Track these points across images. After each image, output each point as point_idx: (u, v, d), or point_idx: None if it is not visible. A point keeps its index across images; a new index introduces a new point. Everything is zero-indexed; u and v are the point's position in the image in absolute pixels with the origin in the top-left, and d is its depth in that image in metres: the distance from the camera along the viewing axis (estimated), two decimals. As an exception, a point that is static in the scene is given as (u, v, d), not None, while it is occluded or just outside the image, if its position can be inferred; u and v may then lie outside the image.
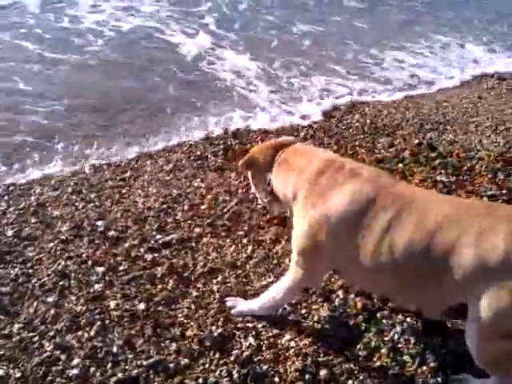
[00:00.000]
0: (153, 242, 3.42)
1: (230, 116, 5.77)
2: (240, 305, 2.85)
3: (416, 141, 4.90)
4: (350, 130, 5.28)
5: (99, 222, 3.62)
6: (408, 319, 2.83)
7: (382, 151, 4.77)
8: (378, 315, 2.86)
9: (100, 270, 3.16)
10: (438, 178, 4.26)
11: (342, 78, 7.07)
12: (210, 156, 4.70)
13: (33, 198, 4.01)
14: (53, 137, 5.10)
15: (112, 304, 2.89)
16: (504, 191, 4.01)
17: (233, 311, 2.84)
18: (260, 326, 2.77)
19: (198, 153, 4.76)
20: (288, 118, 5.75)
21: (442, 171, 4.38)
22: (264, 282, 3.08)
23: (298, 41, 8.53)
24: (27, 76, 6.38)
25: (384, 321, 2.82)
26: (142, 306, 2.88)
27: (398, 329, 2.75)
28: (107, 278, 3.10)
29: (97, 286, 3.03)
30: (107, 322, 2.78)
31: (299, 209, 2.50)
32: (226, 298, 2.90)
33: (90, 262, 3.22)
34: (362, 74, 7.29)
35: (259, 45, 8.22)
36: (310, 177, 2.46)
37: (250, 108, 6.04)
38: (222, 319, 2.79)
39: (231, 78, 6.88)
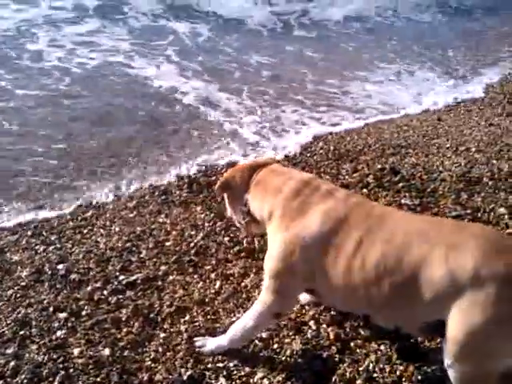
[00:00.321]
0: (116, 284, 3.30)
1: (198, 151, 5.72)
2: (209, 343, 2.75)
3: (379, 166, 4.94)
4: (315, 157, 5.29)
5: (60, 266, 3.49)
6: (382, 347, 2.79)
7: (347, 177, 4.79)
8: (352, 344, 2.81)
9: (62, 315, 3.02)
10: (403, 201, 4.30)
11: (307, 108, 7.16)
12: (174, 191, 4.62)
13: (-10, 243, 3.84)
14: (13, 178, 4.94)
15: (76, 351, 2.76)
16: (468, 211, 4.06)
17: (202, 350, 2.73)
18: (231, 364, 2.68)
19: (162, 188, 4.68)
20: (262, 150, 5.76)
21: (406, 194, 4.41)
22: (234, 319, 2.98)
23: (257, 72, 8.66)
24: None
25: (358, 350, 2.77)
26: (107, 351, 2.76)
27: (373, 358, 2.70)
28: (70, 323, 2.97)
29: (59, 333, 2.89)
30: (71, 370, 2.64)
31: (273, 229, 2.50)
32: (195, 338, 2.80)
33: (51, 309, 3.08)
34: (324, 104, 7.38)
35: (223, 76, 8.35)
36: (285, 197, 2.47)
37: (221, 141, 6.02)
38: (191, 360, 2.69)
39: (203, 110, 6.91)
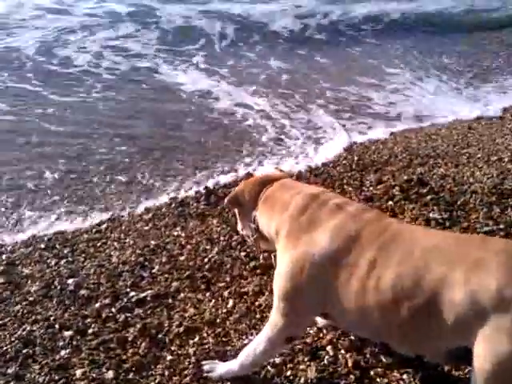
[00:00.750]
0: (126, 301, 3.18)
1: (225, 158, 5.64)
2: (218, 368, 2.58)
3: (405, 177, 4.71)
4: (338, 168, 5.10)
5: (70, 280, 3.39)
6: (404, 376, 2.57)
7: (371, 188, 4.58)
8: (372, 373, 2.60)
9: (67, 334, 2.91)
10: (431, 215, 4.06)
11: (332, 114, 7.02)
12: (191, 202, 4.50)
13: (4, 256, 3.78)
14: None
15: (78, 373, 2.63)
16: (501, 226, 3.80)
17: (211, 375, 2.57)
18: (240, 392, 2.50)
19: (180, 199, 4.56)
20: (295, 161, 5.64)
21: (435, 208, 4.17)
22: (245, 341, 2.82)
23: (278, 76, 8.80)
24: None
25: (378, 379, 2.56)
26: (110, 374, 2.62)
27: (394, 389, 2.49)
28: (75, 342, 2.85)
29: (63, 353, 2.77)
30: (72, 394, 2.52)
31: (281, 247, 2.35)
32: (203, 362, 2.64)
33: (57, 326, 2.97)
34: (347, 110, 7.21)
35: (249, 80, 8.44)
36: (290, 214, 2.32)
37: (251, 148, 5.99)
38: (198, 387, 2.52)
39: (232, 116, 6.96)
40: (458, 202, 4.25)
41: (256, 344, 2.43)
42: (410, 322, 1.97)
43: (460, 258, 1.88)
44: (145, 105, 7.19)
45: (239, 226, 2.81)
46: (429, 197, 4.34)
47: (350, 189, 4.56)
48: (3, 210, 4.53)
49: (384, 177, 4.76)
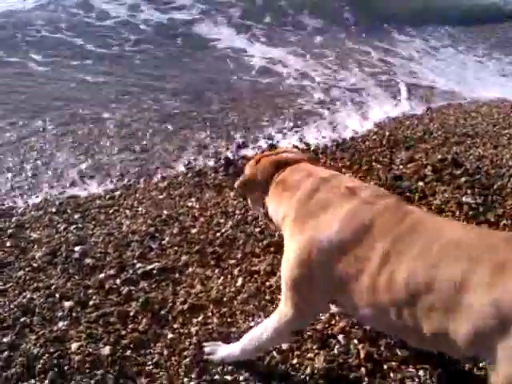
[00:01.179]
0: (131, 272, 3.04)
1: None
2: (220, 350, 2.42)
3: (439, 156, 4.39)
4: (366, 143, 4.80)
5: (77, 248, 3.27)
6: (421, 372, 2.37)
7: (401, 167, 4.29)
8: (385, 367, 2.40)
9: (67, 304, 2.79)
10: (464, 198, 3.76)
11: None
12: (209, 172, 4.31)
13: (14, 218, 3.69)
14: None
15: (74, 346, 2.50)
16: (540, 215, 3.49)
17: (211, 358, 2.42)
18: (242, 378, 2.34)
19: (197, 168, 4.37)
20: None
21: (468, 191, 3.87)
22: (252, 323, 2.65)
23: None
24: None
25: (392, 374, 2.36)
26: (107, 349, 2.49)
27: (408, 386, 2.27)
28: (74, 314, 2.73)
29: (61, 324, 2.65)
30: (66, 367, 2.39)
31: (287, 233, 2.16)
32: (204, 344, 2.49)
33: (57, 295, 2.85)
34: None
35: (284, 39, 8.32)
36: (299, 197, 2.13)
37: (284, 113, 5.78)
38: (197, 370, 2.37)
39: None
40: (495, 186, 3.95)
41: (262, 330, 2.25)
42: (426, 323, 1.75)
43: (484, 257, 1.63)
44: (178, 63, 7.15)
45: (251, 207, 2.64)
46: (463, 179, 4.04)
47: (379, 166, 4.28)
48: (18, 171, 4.44)
49: (416, 155, 4.45)
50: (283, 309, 2.18)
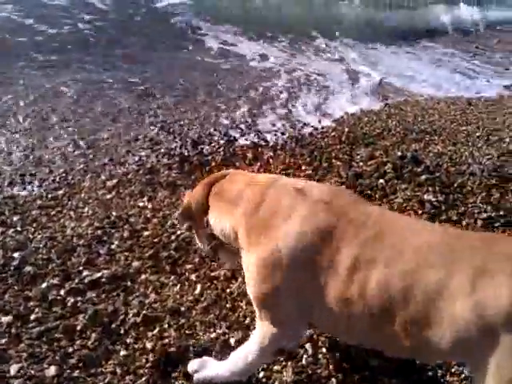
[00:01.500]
0: (77, 281, 2.74)
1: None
2: (208, 369, 2.14)
3: (399, 153, 4.32)
4: (326, 140, 4.67)
5: (16, 254, 2.94)
6: (394, 381, 2.23)
7: (361, 164, 4.19)
8: (356, 377, 2.25)
9: (5, 319, 2.47)
10: (425, 196, 3.70)
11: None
12: (162, 170, 4.04)
13: None
14: None
15: (13, 368, 2.21)
16: (501, 213, 3.47)
17: (198, 377, 2.13)
18: (203, 397, 2.12)
19: (149, 165, 4.09)
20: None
21: (430, 188, 3.81)
22: (213, 335, 2.44)
23: None
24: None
25: (363, 385, 2.20)
26: (52, 370, 2.20)
27: (383, 397, 2.14)
28: (13, 330, 2.42)
29: (-2, 343, 2.35)
30: (3, 395, 2.10)
31: (242, 247, 1.98)
32: (192, 361, 2.20)
33: (-6, 310, 2.53)
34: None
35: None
36: (246, 207, 1.96)
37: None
38: (154, 390, 2.13)
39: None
40: (455, 184, 3.91)
41: (246, 352, 2.03)
42: (403, 333, 1.61)
43: (462, 260, 1.50)
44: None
45: (197, 242, 2.39)
46: (423, 176, 3.99)
47: (339, 163, 4.15)
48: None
49: (376, 152, 4.36)
50: (262, 328, 1.97)
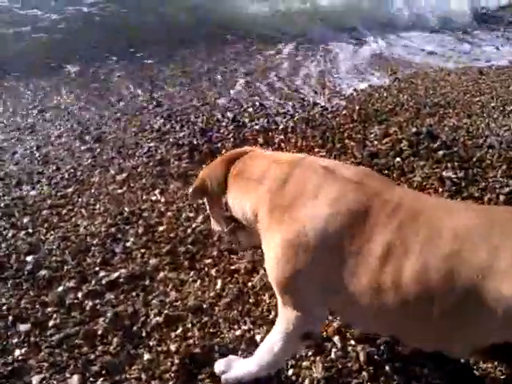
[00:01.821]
0: (94, 283, 2.67)
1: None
2: (235, 368, 2.06)
3: (414, 129, 4.18)
4: (337, 119, 4.54)
5: (29, 258, 2.86)
6: (425, 370, 2.14)
7: (375, 143, 4.06)
8: (387, 368, 2.16)
9: (24, 327, 2.40)
10: (444, 173, 3.58)
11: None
12: (172, 160, 3.94)
13: (-49, 226, 3.23)
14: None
15: (35, 380, 2.14)
16: (524, 186, 3.34)
17: (226, 377, 2.05)
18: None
19: (158, 157, 3.99)
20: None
21: (448, 165, 3.68)
22: (237, 332, 2.36)
23: None
24: None
25: (395, 376, 2.12)
26: (75, 380, 2.13)
27: (416, 388, 2.05)
28: (32, 338, 2.35)
29: (17, 353, 2.27)
30: (27, 409, 2.04)
31: (264, 228, 1.87)
32: (217, 361, 2.12)
33: (10, 318, 2.46)
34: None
35: None
36: (269, 188, 1.85)
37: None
38: (182, 395, 2.07)
39: None
40: (474, 158, 3.79)
41: (272, 343, 1.94)
42: (441, 322, 1.53)
43: (504, 241, 1.42)
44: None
45: (212, 223, 2.29)
46: (441, 152, 3.86)
47: (352, 143, 4.03)
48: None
49: (390, 129, 4.22)
50: (285, 314, 1.87)
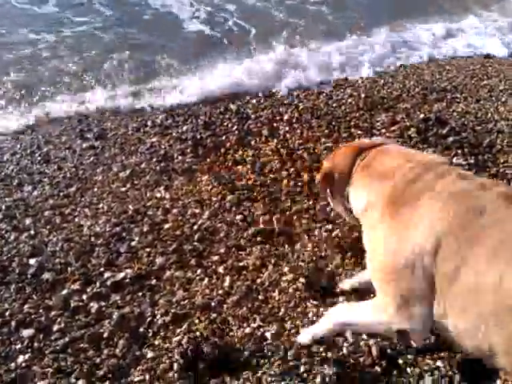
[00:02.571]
0: (99, 285, 2.61)
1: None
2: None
3: (422, 115, 4.08)
4: (343, 108, 4.43)
5: (32, 261, 2.80)
6: (439, 363, 2.08)
7: (383, 131, 3.96)
8: (400, 361, 2.11)
9: (27, 333, 2.35)
10: (455, 160, 3.50)
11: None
12: (176, 155, 3.85)
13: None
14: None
15: (40, 386, 2.09)
16: (537, 171, 3.25)
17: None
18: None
19: (162, 152, 3.91)
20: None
21: (458, 151, 3.59)
22: (247, 330, 2.30)
23: None
24: None
25: (409, 369, 2.08)
26: (81, 385, 2.09)
27: (429, 381, 2.02)
28: (36, 344, 2.30)
29: (21, 359, 2.23)
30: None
31: (373, 221, 1.90)
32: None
33: (13, 323, 2.40)
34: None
35: None
36: (395, 184, 1.85)
37: None
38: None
39: None
40: (484, 144, 3.70)
41: (361, 315, 1.97)
42: None
43: None
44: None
45: (333, 205, 2.33)
46: (450, 138, 3.77)
47: (359, 132, 3.94)
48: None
49: (397, 116, 4.12)
50: (382, 302, 1.84)
